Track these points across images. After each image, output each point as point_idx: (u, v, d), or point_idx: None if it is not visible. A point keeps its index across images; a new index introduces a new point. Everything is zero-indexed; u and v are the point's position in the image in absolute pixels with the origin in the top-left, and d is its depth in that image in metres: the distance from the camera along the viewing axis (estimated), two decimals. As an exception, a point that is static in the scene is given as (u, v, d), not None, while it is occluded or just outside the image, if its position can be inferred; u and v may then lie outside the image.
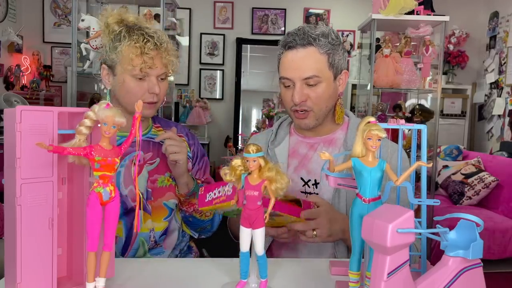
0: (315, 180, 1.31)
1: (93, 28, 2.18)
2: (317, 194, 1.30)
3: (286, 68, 1.27)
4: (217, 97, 5.24)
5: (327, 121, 1.34)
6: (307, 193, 1.31)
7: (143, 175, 1.27)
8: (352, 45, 5.17)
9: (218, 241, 1.56)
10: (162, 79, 1.26)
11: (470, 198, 3.65)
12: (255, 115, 5.76)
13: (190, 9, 5.09)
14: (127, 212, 1.24)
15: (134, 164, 0.81)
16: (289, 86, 1.27)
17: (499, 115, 4.47)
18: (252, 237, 0.80)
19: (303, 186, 1.32)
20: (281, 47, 1.29)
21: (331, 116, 1.36)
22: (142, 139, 1.29)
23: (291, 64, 1.25)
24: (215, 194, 0.98)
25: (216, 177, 2.51)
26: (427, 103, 3.95)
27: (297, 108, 1.27)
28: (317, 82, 1.24)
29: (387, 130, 0.80)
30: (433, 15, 2.73)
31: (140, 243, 1.26)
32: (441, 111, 4.73)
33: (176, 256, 1.35)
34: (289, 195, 1.17)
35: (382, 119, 3.12)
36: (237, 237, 1.40)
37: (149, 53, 1.18)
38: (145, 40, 1.18)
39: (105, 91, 1.34)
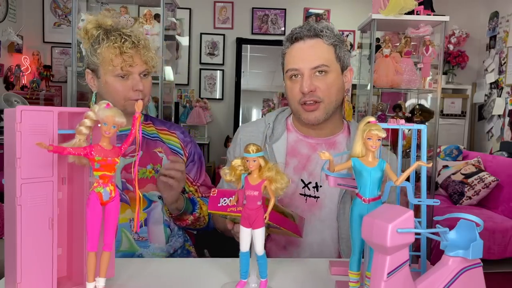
0: (316, 183, 1.28)
1: (93, 28, 2.18)
2: (318, 197, 1.27)
3: (293, 59, 1.26)
4: (217, 97, 5.23)
5: (332, 121, 1.30)
6: (307, 195, 1.28)
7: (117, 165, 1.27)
8: (352, 45, 5.16)
9: (219, 241, 1.56)
10: (144, 75, 1.29)
11: (470, 198, 3.65)
12: (255, 115, 5.74)
13: (190, 9, 5.08)
14: None
15: (134, 166, 0.81)
16: (296, 78, 1.25)
17: (499, 115, 4.47)
18: (252, 237, 0.80)
19: (303, 188, 1.28)
20: (287, 41, 1.30)
21: (338, 114, 1.32)
22: (125, 133, 1.29)
23: (299, 54, 1.25)
24: (231, 201, 0.93)
25: (216, 177, 2.51)
26: (427, 103, 3.94)
27: (306, 99, 1.23)
28: (326, 71, 1.23)
29: (387, 130, 0.80)
30: (433, 15, 2.72)
31: (122, 233, 1.26)
32: (441, 111, 4.72)
33: (171, 256, 1.34)
34: (284, 209, 1.07)
35: (382, 119, 3.12)
36: (221, 230, 1.36)
37: (128, 51, 1.22)
38: (123, 40, 1.22)
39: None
